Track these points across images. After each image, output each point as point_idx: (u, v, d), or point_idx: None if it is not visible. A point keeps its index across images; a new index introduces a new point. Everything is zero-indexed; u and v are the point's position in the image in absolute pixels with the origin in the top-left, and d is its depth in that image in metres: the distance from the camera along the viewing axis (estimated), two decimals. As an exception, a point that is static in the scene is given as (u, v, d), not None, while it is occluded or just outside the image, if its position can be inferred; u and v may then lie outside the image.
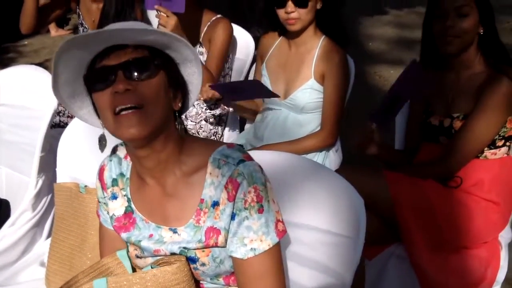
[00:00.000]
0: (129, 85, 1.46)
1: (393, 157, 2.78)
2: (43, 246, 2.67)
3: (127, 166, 1.74)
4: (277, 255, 1.58)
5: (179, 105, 1.60)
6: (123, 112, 1.46)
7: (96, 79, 1.51)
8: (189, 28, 3.12)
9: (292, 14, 2.88)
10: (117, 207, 1.73)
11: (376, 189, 2.48)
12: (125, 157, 1.75)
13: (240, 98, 3.08)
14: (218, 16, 3.34)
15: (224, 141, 3.32)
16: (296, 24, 2.91)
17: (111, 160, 1.76)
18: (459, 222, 2.45)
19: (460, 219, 2.46)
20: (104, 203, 1.77)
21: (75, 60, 1.49)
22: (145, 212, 1.68)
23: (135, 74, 1.48)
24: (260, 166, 1.58)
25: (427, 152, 2.69)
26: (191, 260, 1.61)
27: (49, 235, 2.71)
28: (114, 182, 1.74)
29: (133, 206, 1.70)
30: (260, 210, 1.53)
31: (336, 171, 2.54)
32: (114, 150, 1.77)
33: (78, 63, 1.51)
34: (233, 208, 1.54)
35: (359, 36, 7.10)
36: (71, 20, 7.87)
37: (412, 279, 2.48)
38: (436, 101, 2.70)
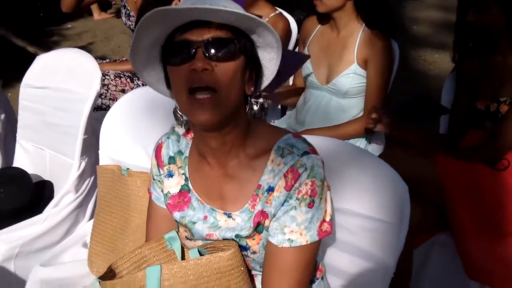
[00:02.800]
0: (208, 64, 1.42)
1: (426, 139, 2.73)
2: (85, 227, 2.69)
3: (186, 144, 1.72)
4: (312, 253, 1.55)
5: (252, 89, 1.57)
6: (198, 95, 1.43)
7: (174, 52, 1.47)
8: None
9: None
10: (173, 185, 1.71)
11: (426, 172, 2.47)
12: (184, 135, 1.72)
13: (280, 81, 3.05)
14: (277, 12, 3.33)
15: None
16: (319, 6, 2.90)
17: (168, 138, 1.74)
18: (506, 207, 2.40)
19: (507, 204, 2.41)
20: (159, 181, 1.76)
21: (156, 29, 1.45)
22: (201, 192, 1.67)
23: (216, 54, 1.43)
24: (322, 161, 1.55)
25: (472, 138, 2.64)
26: (242, 248, 1.60)
27: (91, 217, 2.75)
28: (171, 160, 1.73)
29: (190, 185, 1.69)
30: (310, 205, 1.50)
31: (385, 152, 2.52)
32: (172, 128, 1.75)
33: (158, 32, 1.47)
34: (287, 196, 1.52)
35: (402, 19, 7.00)
36: (114, 4, 7.93)
37: (456, 267, 2.45)
38: (482, 86, 2.64)
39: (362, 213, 1.78)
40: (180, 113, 1.59)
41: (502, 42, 2.55)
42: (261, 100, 3.24)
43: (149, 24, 1.42)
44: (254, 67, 1.55)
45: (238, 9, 1.47)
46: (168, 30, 1.48)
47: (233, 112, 1.50)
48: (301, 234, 1.51)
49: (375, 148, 3.00)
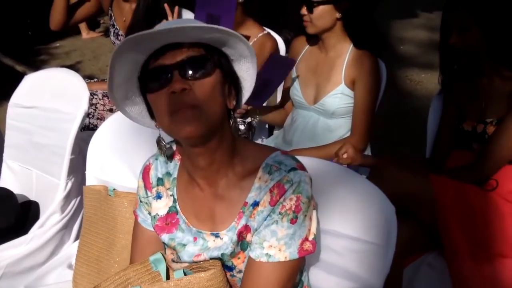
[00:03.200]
0: (185, 84, 1.43)
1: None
2: (71, 248, 2.68)
3: (174, 165, 1.72)
4: (291, 271, 1.53)
5: (233, 103, 1.58)
6: (181, 112, 1.44)
7: (151, 79, 1.49)
8: None
9: (304, 17, 2.90)
10: (161, 207, 1.71)
11: (421, 191, 2.46)
12: (173, 156, 1.73)
13: (268, 93, 3.05)
14: (265, 32, 3.34)
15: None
16: (309, 27, 2.92)
17: (157, 159, 1.74)
18: (495, 227, 2.41)
19: (496, 224, 2.42)
20: (146, 203, 1.75)
21: (129, 62, 1.47)
22: (190, 214, 1.66)
23: (192, 73, 1.45)
24: (310, 179, 1.55)
25: (458, 159, 2.65)
26: (228, 268, 1.59)
27: (77, 238, 2.73)
28: (160, 181, 1.72)
29: (178, 207, 1.68)
30: (293, 221, 1.49)
31: (379, 169, 2.53)
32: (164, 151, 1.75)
33: (132, 64, 1.49)
34: (270, 211, 1.51)
35: (390, 39, 7.05)
36: (102, 23, 7.94)
37: (443, 287, 2.44)
38: (469, 107, 2.66)
39: (348, 234, 1.77)
40: (164, 143, 1.60)
41: (485, 64, 2.57)
42: (248, 119, 3.25)
43: (121, 56, 1.43)
44: (232, 81, 1.57)
45: (205, 25, 1.49)
46: (140, 59, 1.49)
47: (217, 126, 1.50)
48: (280, 250, 1.49)
49: (361, 168, 3.00)
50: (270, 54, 3.12)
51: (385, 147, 2.64)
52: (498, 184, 2.49)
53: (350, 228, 1.77)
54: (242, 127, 3.33)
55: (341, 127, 2.99)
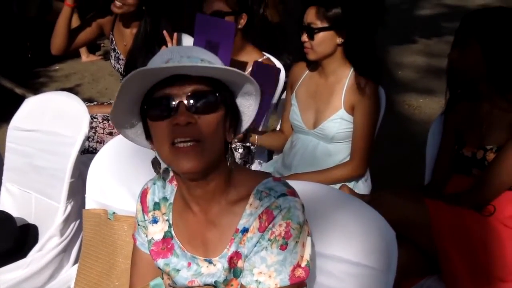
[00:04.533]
0: (191, 118, 1.44)
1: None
2: (70, 272, 2.67)
3: (171, 190, 1.73)
4: None
5: (232, 136, 1.58)
6: (181, 145, 1.45)
7: (155, 107, 1.49)
8: (233, 66, 3.12)
9: (305, 44, 2.92)
10: (157, 231, 1.71)
11: (416, 216, 2.46)
12: (170, 181, 1.73)
13: (264, 105, 3.04)
14: (265, 57, 3.36)
15: (252, 169, 3.32)
16: (310, 54, 2.94)
17: (154, 184, 1.75)
18: (494, 252, 2.40)
19: (495, 249, 2.41)
20: (144, 227, 1.76)
21: (135, 87, 1.47)
22: (184, 240, 1.66)
23: (198, 107, 1.45)
24: (302, 205, 1.55)
25: (457, 184, 2.65)
26: None
27: (76, 261, 2.72)
28: (156, 206, 1.73)
29: (173, 232, 1.69)
30: (283, 247, 1.48)
31: (373, 196, 2.53)
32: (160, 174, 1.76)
33: (137, 90, 1.49)
34: (260, 238, 1.51)
35: (388, 64, 7.07)
36: (102, 46, 7.97)
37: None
38: (469, 132, 2.66)
39: (348, 259, 1.77)
40: (159, 164, 1.60)
41: (481, 87, 2.58)
42: (247, 144, 3.25)
43: (129, 84, 1.44)
44: (233, 115, 1.58)
45: (214, 59, 1.51)
46: (147, 87, 1.50)
47: (216, 160, 1.51)
48: (270, 277, 1.48)
49: (361, 193, 3.00)
50: (254, 61, 3.14)
51: (383, 172, 2.63)
52: (496, 209, 2.49)
53: (350, 253, 1.77)
54: (241, 151, 3.33)
55: (340, 152, 2.99)
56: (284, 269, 1.48)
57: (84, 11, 5.04)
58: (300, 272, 1.51)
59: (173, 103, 1.45)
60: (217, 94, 1.49)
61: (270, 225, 1.49)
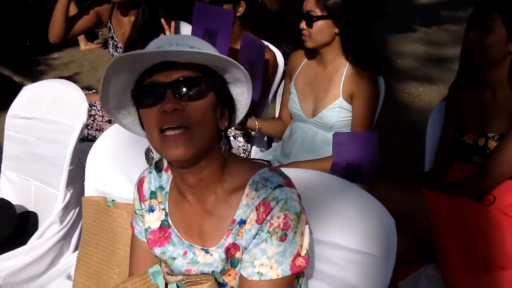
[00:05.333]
0: (178, 104, 1.44)
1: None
2: (70, 259, 2.68)
3: (167, 179, 1.72)
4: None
5: (225, 124, 1.58)
6: (169, 132, 1.44)
7: (144, 95, 1.49)
8: (232, 54, 3.11)
9: (304, 31, 2.91)
10: (154, 220, 1.71)
11: (413, 206, 2.46)
12: (166, 170, 1.73)
13: (257, 82, 3.02)
14: (264, 45, 3.35)
15: (252, 157, 3.32)
16: (308, 41, 2.93)
17: (150, 172, 1.75)
18: (493, 241, 2.41)
19: (494, 238, 2.41)
20: (141, 215, 1.76)
21: (123, 75, 1.47)
22: (180, 228, 1.67)
23: (185, 93, 1.45)
24: (299, 195, 1.54)
25: (458, 172, 2.65)
26: (220, 285, 1.59)
27: (76, 248, 2.73)
28: (153, 194, 1.73)
29: (169, 220, 1.69)
30: (282, 238, 1.49)
31: (373, 186, 2.53)
32: (156, 163, 1.75)
33: (127, 77, 1.49)
34: (258, 229, 1.51)
35: (387, 53, 7.07)
36: (101, 35, 7.95)
37: (442, 301, 2.44)
38: (471, 120, 2.66)
39: (348, 246, 1.77)
40: (152, 155, 1.60)
41: (489, 73, 2.56)
42: (248, 130, 3.25)
43: (116, 70, 1.44)
44: (226, 102, 1.57)
45: (206, 47, 1.50)
46: (136, 74, 1.50)
47: (206, 147, 1.50)
48: (271, 268, 1.49)
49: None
50: (242, 36, 3.14)
51: (383, 160, 2.62)
52: (496, 198, 2.49)
53: (350, 240, 1.77)
54: (241, 139, 3.33)
55: (340, 140, 2.99)
56: (285, 259, 1.49)
57: (82, -2, 5.03)
58: (300, 261, 1.52)
59: (161, 90, 1.45)
60: (205, 80, 1.48)
61: (268, 217, 1.49)
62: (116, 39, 3.68)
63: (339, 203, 1.82)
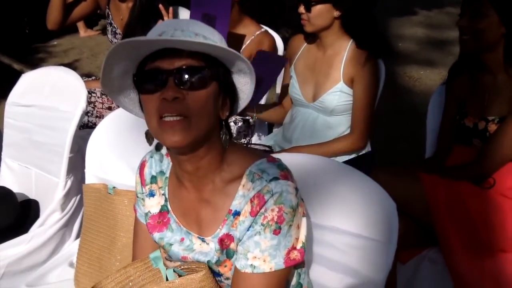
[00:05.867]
0: (179, 93, 1.42)
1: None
2: (72, 246, 2.68)
3: (167, 164, 1.71)
4: (277, 281, 1.51)
5: (226, 113, 1.56)
6: (168, 118, 1.42)
7: (146, 80, 1.46)
8: (231, 39, 3.10)
9: (302, 16, 2.90)
10: (154, 205, 1.71)
11: (412, 192, 2.46)
12: (167, 155, 1.72)
13: (261, 92, 3.02)
14: (263, 30, 3.33)
15: (253, 142, 3.31)
16: (307, 26, 2.91)
17: (152, 157, 1.74)
18: (494, 224, 2.41)
19: (495, 221, 2.42)
20: (142, 199, 1.76)
21: (126, 58, 1.45)
22: (179, 214, 1.66)
23: (187, 82, 1.43)
24: (296, 188, 1.52)
25: (459, 155, 2.65)
26: (216, 274, 1.59)
27: (78, 236, 2.73)
28: (153, 179, 1.72)
29: (169, 206, 1.68)
30: (276, 232, 1.47)
31: (372, 174, 2.53)
32: (157, 147, 1.74)
33: (128, 62, 1.47)
34: (252, 222, 1.49)
35: (388, 36, 7.04)
36: (100, 21, 7.93)
37: (445, 283, 2.45)
38: (471, 103, 2.65)
39: (350, 230, 1.77)
40: (151, 137, 1.58)
41: (487, 56, 2.55)
42: (247, 117, 3.24)
43: (119, 55, 1.42)
44: (228, 92, 1.55)
45: (211, 33, 1.48)
46: (139, 59, 1.48)
47: (205, 136, 1.49)
48: (264, 261, 1.47)
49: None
50: (257, 51, 3.10)
51: (384, 144, 2.62)
52: (496, 182, 2.49)
53: (351, 225, 1.77)
54: (240, 124, 3.33)
55: (340, 125, 2.98)
56: (279, 253, 1.48)
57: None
58: (295, 255, 1.51)
59: (162, 77, 1.43)
60: (208, 70, 1.46)
61: (262, 210, 1.47)
62: (115, 25, 3.66)
63: (340, 187, 1.82)
